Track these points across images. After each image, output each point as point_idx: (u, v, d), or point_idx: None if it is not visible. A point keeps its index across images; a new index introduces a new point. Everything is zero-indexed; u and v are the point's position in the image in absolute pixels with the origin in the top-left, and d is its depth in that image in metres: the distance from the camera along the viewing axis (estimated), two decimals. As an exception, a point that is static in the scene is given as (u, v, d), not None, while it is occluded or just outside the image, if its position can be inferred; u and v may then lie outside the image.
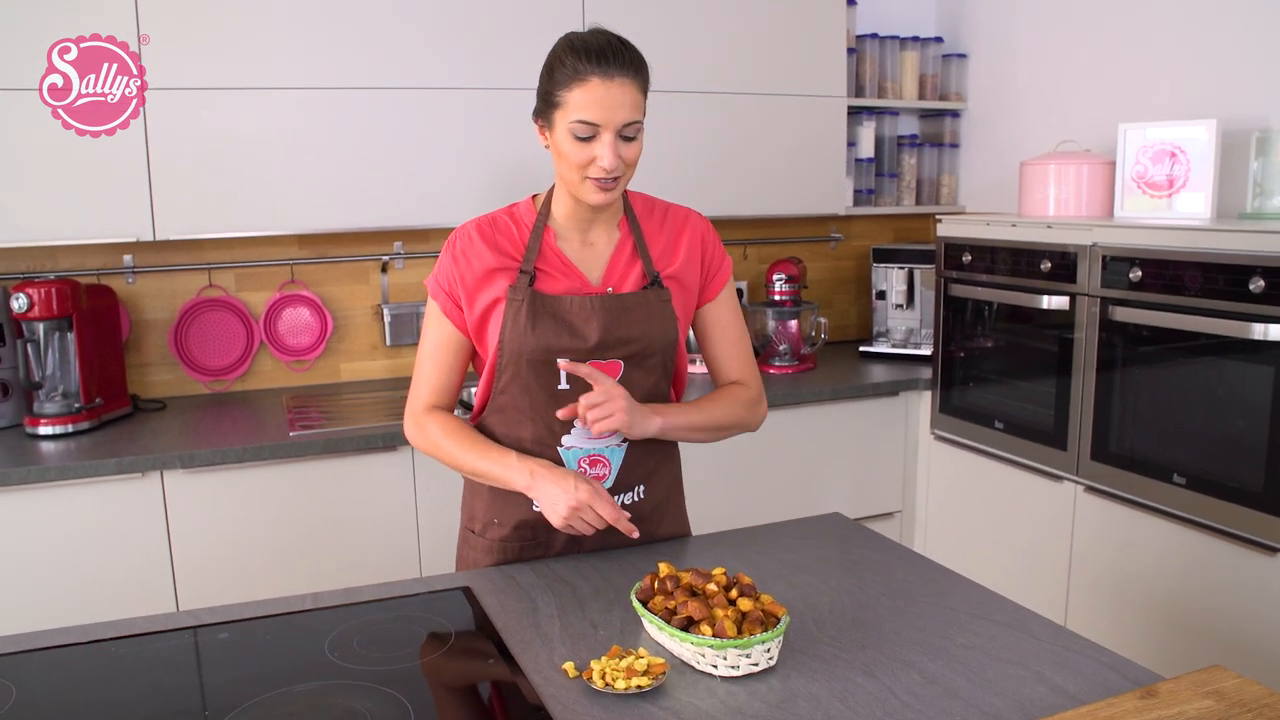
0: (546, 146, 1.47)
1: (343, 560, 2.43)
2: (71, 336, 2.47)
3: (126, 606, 1.92)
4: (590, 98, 1.37)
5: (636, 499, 1.60)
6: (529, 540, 1.58)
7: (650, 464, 1.60)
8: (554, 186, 1.55)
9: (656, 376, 1.56)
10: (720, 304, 1.64)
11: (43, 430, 2.43)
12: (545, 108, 1.44)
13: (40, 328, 2.44)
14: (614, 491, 1.57)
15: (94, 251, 2.73)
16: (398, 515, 2.50)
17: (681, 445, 1.69)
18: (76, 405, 2.47)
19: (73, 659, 1.26)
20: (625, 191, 1.59)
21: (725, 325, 1.65)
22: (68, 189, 2.40)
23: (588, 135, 1.40)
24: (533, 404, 1.52)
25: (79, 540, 2.25)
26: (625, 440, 1.54)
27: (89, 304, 2.51)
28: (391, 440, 2.45)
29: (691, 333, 1.68)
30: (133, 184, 2.44)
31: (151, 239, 2.48)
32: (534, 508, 1.53)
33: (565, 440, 1.53)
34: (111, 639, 1.32)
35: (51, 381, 2.48)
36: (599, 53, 1.38)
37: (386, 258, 3.01)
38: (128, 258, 2.76)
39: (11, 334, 2.50)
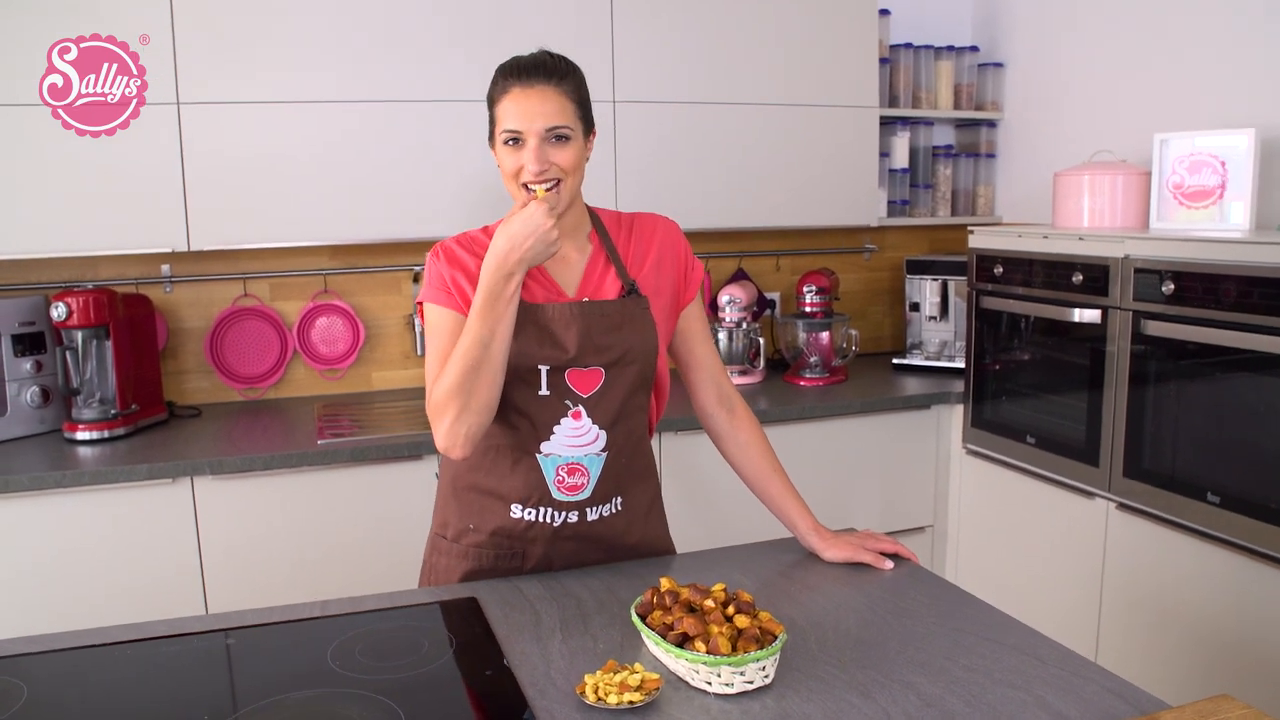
0: (500, 167, 1.51)
1: (368, 568, 2.45)
2: (109, 344, 2.54)
3: (157, 609, 1.95)
4: (513, 107, 1.45)
5: (614, 510, 1.60)
6: (505, 549, 1.58)
7: (629, 478, 1.60)
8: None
9: (636, 385, 1.56)
10: (697, 304, 1.68)
11: (80, 435, 2.49)
12: (490, 129, 1.51)
13: (79, 336, 2.51)
14: (591, 502, 1.56)
15: (133, 261, 2.80)
16: (422, 524, 2.51)
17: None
18: (113, 411, 2.54)
19: (83, 661, 1.29)
20: (592, 208, 1.61)
21: (703, 325, 1.69)
22: (107, 203, 2.46)
23: (515, 141, 1.46)
24: (513, 409, 1.52)
25: (112, 544, 2.31)
26: (605, 450, 1.54)
27: (126, 313, 2.57)
28: (417, 449, 2.47)
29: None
30: (169, 198, 2.50)
31: (186, 249, 2.54)
32: (512, 514, 1.54)
33: (544, 447, 1.52)
34: (123, 642, 1.35)
35: (89, 388, 2.55)
36: (523, 68, 1.47)
37: (418, 268, 3.04)
38: (165, 268, 2.82)
39: (52, 341, 2.57)
